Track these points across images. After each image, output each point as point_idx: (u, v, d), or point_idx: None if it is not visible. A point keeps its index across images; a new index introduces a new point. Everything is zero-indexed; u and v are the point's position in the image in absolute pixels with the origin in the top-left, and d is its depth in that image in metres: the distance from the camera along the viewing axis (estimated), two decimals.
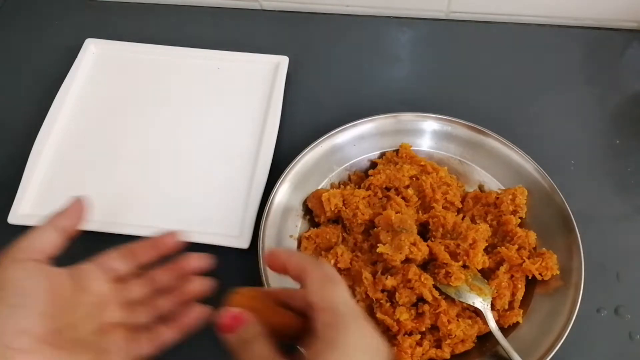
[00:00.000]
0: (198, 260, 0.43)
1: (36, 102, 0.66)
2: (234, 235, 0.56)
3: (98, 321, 0.40)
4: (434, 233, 0.53)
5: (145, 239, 0.44)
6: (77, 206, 0.43)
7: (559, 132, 0.64)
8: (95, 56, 0.69)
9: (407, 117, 0.59)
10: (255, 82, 0.67)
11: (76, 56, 0.68)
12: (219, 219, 0.57)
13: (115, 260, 0.43)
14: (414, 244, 0.49)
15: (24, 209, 0.58)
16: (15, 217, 0.57)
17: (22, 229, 0.56)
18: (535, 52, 0.71)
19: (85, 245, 0.57)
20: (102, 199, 0.59)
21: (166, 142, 0.63)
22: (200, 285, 0.43)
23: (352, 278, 0.51)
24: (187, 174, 0.61)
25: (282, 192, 0.55)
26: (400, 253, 0.48)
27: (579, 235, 0.51)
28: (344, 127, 0.58)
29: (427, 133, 0.59)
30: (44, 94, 0.66)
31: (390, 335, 0.49)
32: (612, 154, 0.62)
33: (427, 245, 0.50)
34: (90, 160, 0.62)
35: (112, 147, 0.63)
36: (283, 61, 0.67)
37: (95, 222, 0.57)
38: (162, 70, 0.68)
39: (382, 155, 0.59)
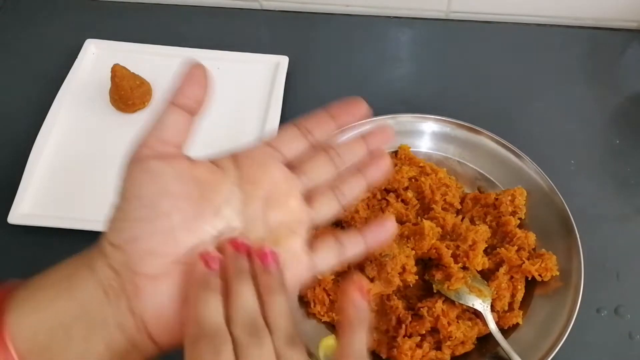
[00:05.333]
0: (387, 133, 0.35)
1: (36, 102, 0.66)
2: None
3: (265, 226, 0.31)
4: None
5: (322, 111, 0.36)
6: (197, 73, 0.31)
7: (559, 132, 0.64)
8: (95, 56, 0.69)
9: (405, 119, 0.59)
10: (255, 82, 0.67)
11: (76, 56, 0.68)
12: None
13: (286, 145, 0.33)
14: (403, 270, 0.49)
15: (24, 209, 0.58)
16: (15, 217, 0.57)
17: (22, 229, 0.57)
18: (535, 52, 0.71)
19: (84, 245, 0.57)
20: (101, 199, 0.59)
21: None
22: (388, 164, 0.34)
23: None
24: None
25: None
26: (392, 285, 0.48)
27: (578, 236, 0.51)
28: (342, 128, 0.58)
29: (426, 134, 0.59)
30: (44, 94, 0.66)
31: (390, 337, 0.49)
32: (612, 154, 0.62)
33: (433, 247, 0.50)
34: (91, 160, 0.62)
35: (112, 147, 0.63)
36: (283, 61, 0.67)
37: (95, 222, 0.57)
38: (162, 70, 0.68)
39: None
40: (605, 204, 0.59)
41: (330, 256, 0.33)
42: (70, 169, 0.61)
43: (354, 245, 0.33)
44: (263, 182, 0.32)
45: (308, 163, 0.34)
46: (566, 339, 0.46)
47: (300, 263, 0.32)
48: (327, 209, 0.33)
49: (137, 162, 0.30)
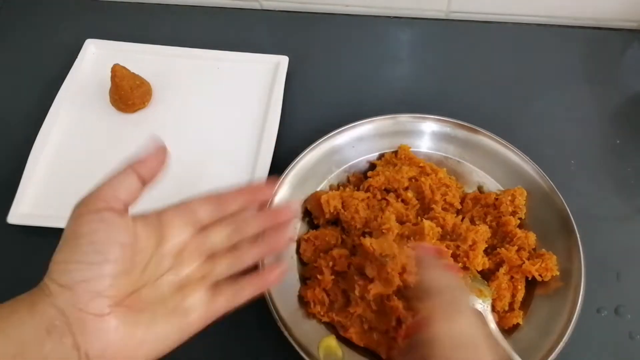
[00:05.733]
0: (290, 211, 0.41)
1: (36, 102, 0.66)
2: None
3: (178, 276, 0.37)
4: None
5: (235, 187, 0.41)
6: (159, 152, 0.38)
7: (559, 132, 0.64)
8: (95, 56, 0.69)
9: (405, 119, 0.59)
10: (255, 82, 0.67)
11: (76, 56, 0.68)
12: None
13: (200, 207, 0.39)
14: (403, 271, 0.48)
15: (24, 209, 0.58)
16: (15, 217, 0.57)
17: (22, 229, 0.57)
18: (535, 52, 0.71)
19: None
20: None
21: (166, 142, 0.63)
22: (287, 239, 0.41)
23: (347, 283, 0.51)
24: (187, 173, 0.61)
25: (282, 194, 0.55)
26: (392, 285, 0.48)
27: (578, 236, 0.51)
28: (342, 128, 0.58)
29: (426, 134, 0.59)
30: (44, 94, 0.66)
31: (389, 337, 0.48)
32: (612, 154, 0.62)
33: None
34: (90, 160, 0.62)
35: (112, 147, 0.63)
36: (283, 61, 0.67)
37: None
38: (161, 70, 0.68)
39: (381, 156, 0.59)
40: (605, 204, 0.59)
41: (230, 298, 0.39)
42: (70, 169, 0.61)
43: (251, 287, 0.39)
44: (176, 240, 0.38)
45: (216, 227, 0.40)
46: (566, 339, 0.46)
47: (204, 306, 0.37)
48: (226, 268, 0.39)
49: (92, 212, 0.34)
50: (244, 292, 0.39)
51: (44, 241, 0.57)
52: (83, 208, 0.34)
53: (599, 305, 0.53)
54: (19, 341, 0.31)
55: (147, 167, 0.37)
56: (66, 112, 0.64)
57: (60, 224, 0.56)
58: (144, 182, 0.37)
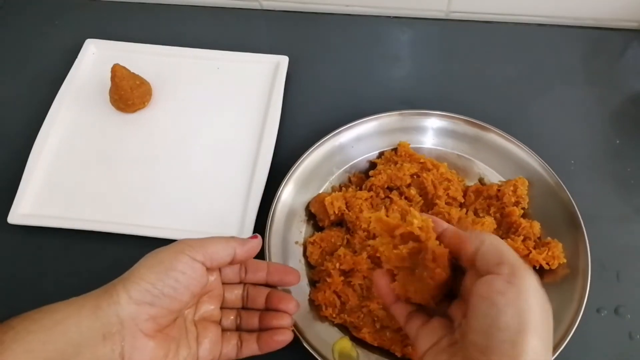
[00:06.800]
0: (293, 306, 0.45)
1: (36, 102, 0.66)
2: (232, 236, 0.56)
3: (196, 314, 0.43)
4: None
5: (267, 263, 0.46)
6: (256, 244, 0.43)
7: (559, 132, 0.64)
8: (95, 56, 0.69)
9: (403, 116, 0.59)
10: (255, 82, 0.67)
11: (76, 56, 0.68)
12: (218, 220, 0.57)
13: (230, 268, 0.45)
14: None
15: (24, 209, 0.58)
16: (15, 217, 0.57)
17: (22, 229, 0.57)
18: (535, 52, 0.71)
19: (84, 245, 0.57)
20: (101, 200, 0.59)
21: (166, 142, 0.63)
22: (288, 323, 0.45)
23: (355, 277, 0.51)
24: (186, 174, 0.61)
25: (285, 198, 0.55)
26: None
27: (582, 223, 0.51)
28: (339, 129, 0.58)
29: (424, 130, 0.59)
30: (44, 94, 0.66)
31: (403, 335, 0.48)
32: (612, 154, 0.62)
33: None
34: (90, 160, 0.62)
35: (112, 147, 0.63)
36: (283, 61, 0.67)
37: (94, 222, 0.57)
38: (162, 70, 0.68)
39: (380, 155, 0.59)
40: (605, 204, 0.59)
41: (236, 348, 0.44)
42: (70, 169, 0.61)
43: (255, 346, 0.44)
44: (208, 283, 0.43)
45: (233, 286, 0.46)
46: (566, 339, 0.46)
47: (217, 343, 0.43)
48: (231, 322, 0.45)
49: (191, 257, 0.39)
50: (249, 347, 0.43)
51: (44, 241, 0.58)
52: (187, 249, 0.39)
53: (598, 305, 0.53)
54: (77, 343, 0.34)
55: (244, 249, 0.42)
56: (66, 112, 0.64)
57: (61, 224, 0.57)
58: (233, 260, 0.42)
